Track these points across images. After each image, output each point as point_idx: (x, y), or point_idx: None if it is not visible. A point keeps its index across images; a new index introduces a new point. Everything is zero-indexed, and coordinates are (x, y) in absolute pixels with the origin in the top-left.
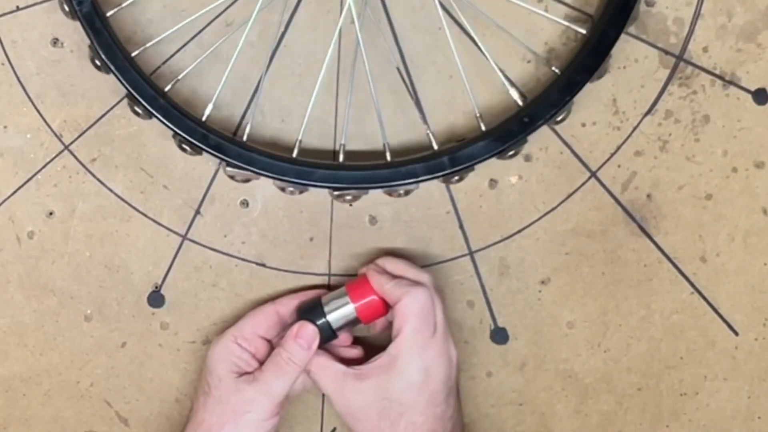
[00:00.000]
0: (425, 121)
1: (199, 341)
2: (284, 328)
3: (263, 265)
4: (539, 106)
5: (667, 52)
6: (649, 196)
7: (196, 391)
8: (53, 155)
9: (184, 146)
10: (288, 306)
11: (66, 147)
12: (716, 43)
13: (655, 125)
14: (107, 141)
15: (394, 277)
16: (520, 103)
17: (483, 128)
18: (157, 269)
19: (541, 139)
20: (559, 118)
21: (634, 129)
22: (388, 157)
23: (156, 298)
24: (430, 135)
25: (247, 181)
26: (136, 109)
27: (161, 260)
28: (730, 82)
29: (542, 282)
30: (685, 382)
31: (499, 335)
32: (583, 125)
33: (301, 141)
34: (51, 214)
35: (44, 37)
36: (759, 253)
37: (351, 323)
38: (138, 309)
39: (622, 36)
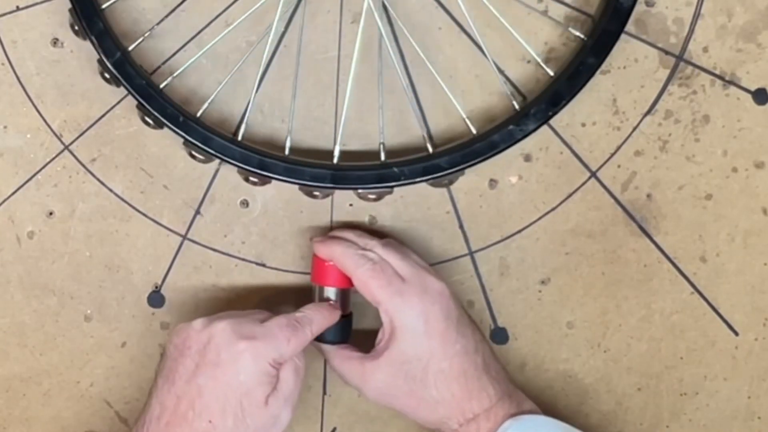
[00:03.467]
0: (424, 121)
1: None
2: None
3: (263, 265)
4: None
5: (667, 52)
6: (649, 196)
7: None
8: (53, 155)
9: (194, 153)
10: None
11: (66, 147)
12: (716, 43)
13: (655, 125)
14: (107, 141)
15: (339, 240)
16: (517, 107)
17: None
18: (157, 269)
19: (541, 139)
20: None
21: (634, 129)
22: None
23: (156, 298)
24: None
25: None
26: (147, 119)
27: (161, 260)
28: (730, 82)
29: (542, 282)
30: (685, 382)
31: (499, 335)
32: (583, 125)
33: (292, 139)
34: (51, 214)
35: (44, 37)
36: (759, 253)
37: (345, 296)
38: (138, 309)
39: (623, 36)
